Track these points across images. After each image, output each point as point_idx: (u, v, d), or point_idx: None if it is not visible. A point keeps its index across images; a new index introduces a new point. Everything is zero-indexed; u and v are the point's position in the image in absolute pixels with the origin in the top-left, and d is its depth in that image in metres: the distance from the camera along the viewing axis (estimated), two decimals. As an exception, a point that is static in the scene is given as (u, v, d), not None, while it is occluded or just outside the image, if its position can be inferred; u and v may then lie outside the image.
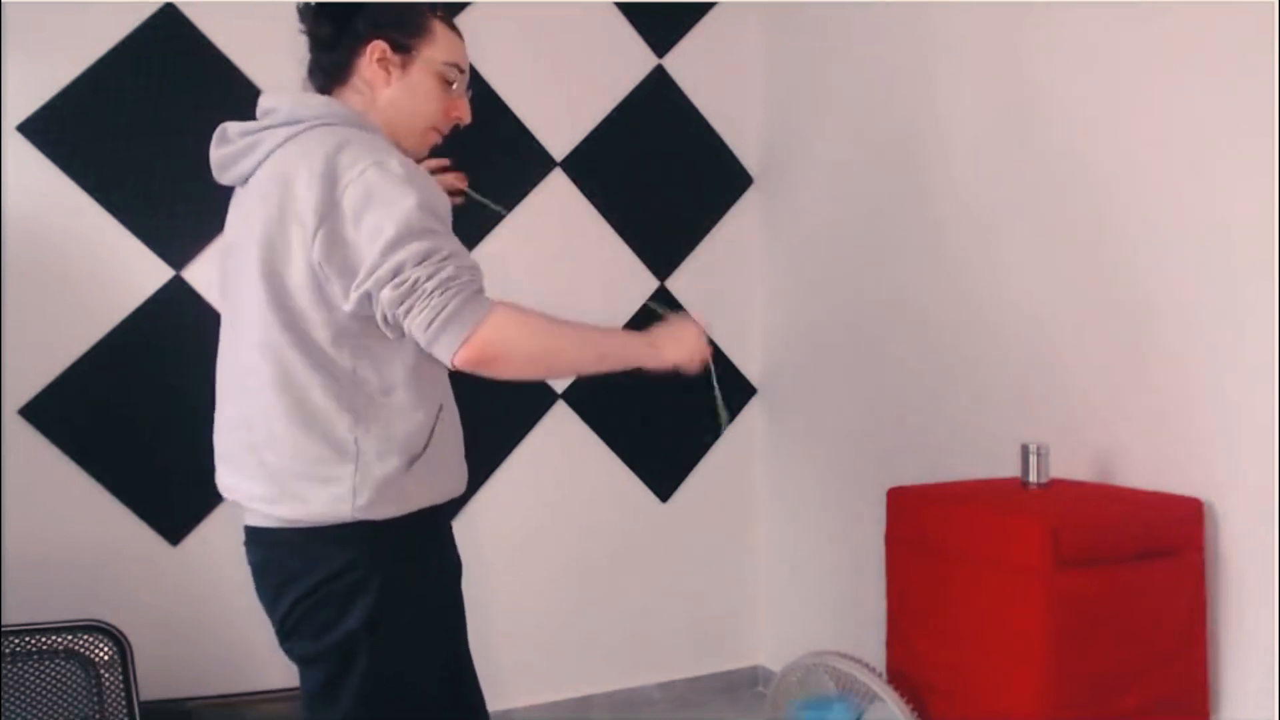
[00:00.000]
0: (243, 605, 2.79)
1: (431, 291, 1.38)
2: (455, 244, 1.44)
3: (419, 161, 1.63)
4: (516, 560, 3.12)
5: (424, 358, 1.51)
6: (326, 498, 1.46)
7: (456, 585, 1.65)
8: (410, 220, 1.39)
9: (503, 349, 1.41)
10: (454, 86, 1.63)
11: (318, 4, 1.62)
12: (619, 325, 1.68)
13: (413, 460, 1.50)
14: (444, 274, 1.39)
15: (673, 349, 1.61)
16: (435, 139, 1.66)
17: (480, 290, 1.43)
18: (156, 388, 2.70)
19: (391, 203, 1.40)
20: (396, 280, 1.38)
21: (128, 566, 2.68)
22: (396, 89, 1.60)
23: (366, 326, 1.46)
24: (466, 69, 1.66)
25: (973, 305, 2.69)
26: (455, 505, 1.66)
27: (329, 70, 1.62)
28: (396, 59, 1.59)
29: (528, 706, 3.12)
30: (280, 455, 1.47)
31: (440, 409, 1.56)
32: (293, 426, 1.46)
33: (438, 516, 1.60)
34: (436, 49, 1.60)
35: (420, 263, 1.38)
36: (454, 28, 1.66)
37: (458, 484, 1.63)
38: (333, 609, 1.49)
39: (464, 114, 1.66)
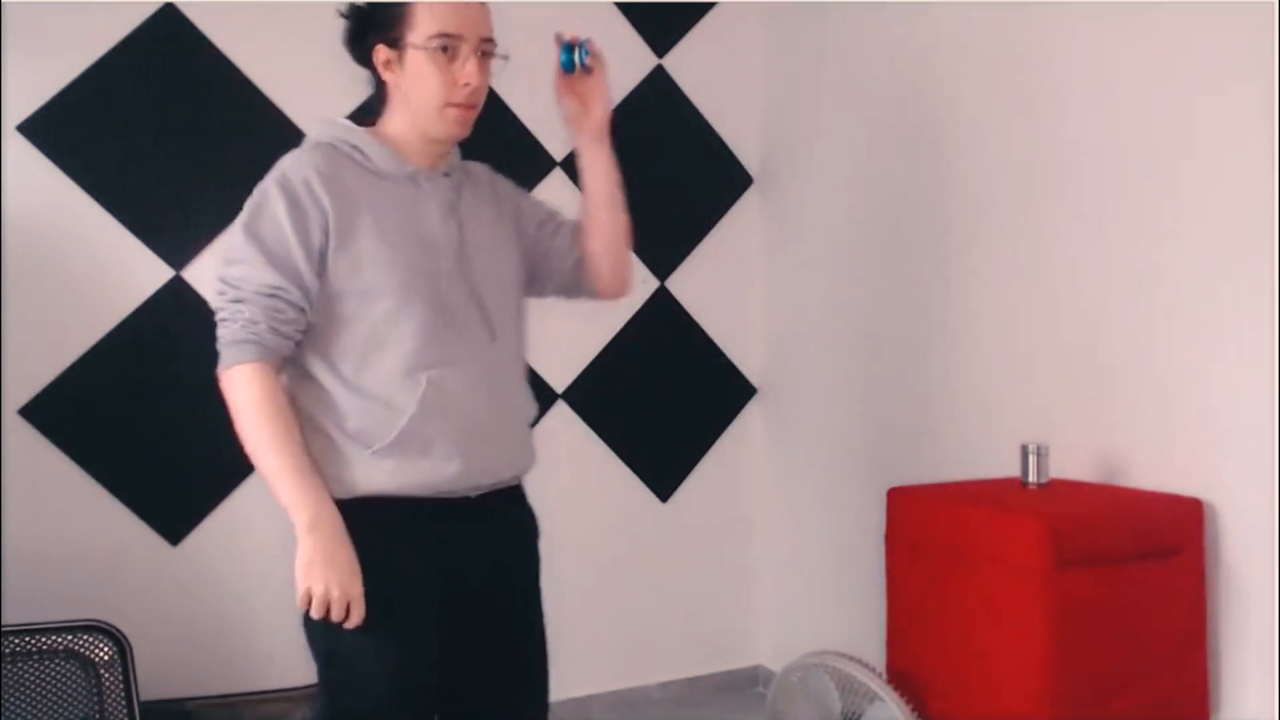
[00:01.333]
0: (243, 605, 2.81)
1: (222, 319, 1.56)
2: (258, 277, 1.53)
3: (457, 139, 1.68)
4: (516, 560, 3.11)
5: (360, 367, 1.58)
6: None
7: (432, 588, 1.61)
8: (232, 247, 1.57)
9: (228, 397, 1.55)
10: (448, 53, 1.59)
11: (343, 32, 1.66)
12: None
13: (366, 447, 1.57)
14: (224, 311, 1.55)
15: (306, 558, 1.51)
16: (458, 114, 1.62)
17: (244, 342, 1.52)
18: (156, 388, 2.69)
19: (240, 224, 1.56)
20: (216, 289, 1.58)
21: (128, 566, 2.68)
22: (403, 84, 1.62)
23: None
24: (468, 30, 1.60)
25: (973, 305, 2.69)
26: (472, 505, 1.66)
27: (375, 89, 1.68)
28: (395, 55, 1.61)
29: (528, 706, 3.12)
30: None
31: (416, 405, 1.57)
32: None
33: (414, 510, 1.59)
34: (420, 28, 1.58)
35: (219, 292, 1.56)
36: None
37: (428, 479, 1.59)
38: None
39: (470, 78, 1.60)
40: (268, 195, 1.55)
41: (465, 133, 1.66)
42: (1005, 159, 2.59)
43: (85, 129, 2.63)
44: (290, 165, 1.58)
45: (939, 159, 2.78)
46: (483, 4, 1.64)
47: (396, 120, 1.65)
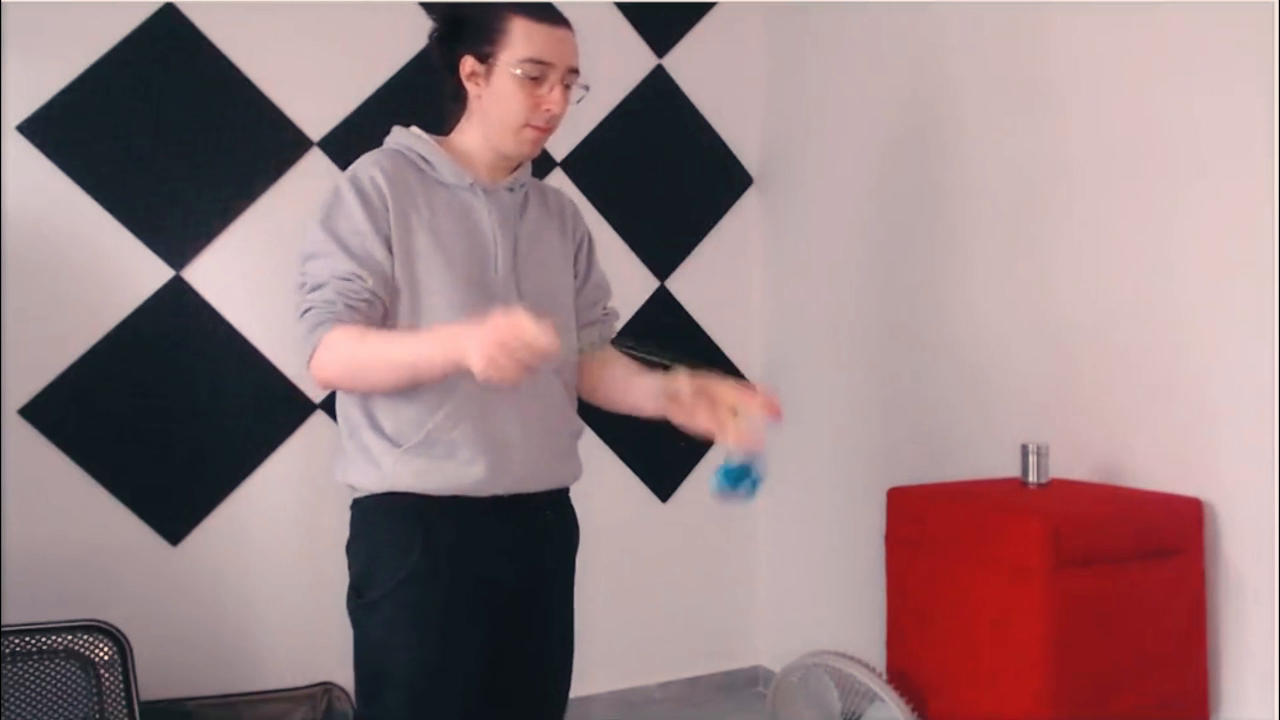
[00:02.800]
0: (243, 605, 2.81)
1: (300, 314, 1.57)
2: (335, 267, 1.55)
3: (524, 158, 1.70)
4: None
5: None
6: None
7: (463, 585, 1.63)
8: (309, 242, 1.59)
9: (322, 372, 1.55)
10: (536, 79, 1.61)
11: (431, 32, 1.67)
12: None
13: (399, 445, 1.60)
14: (305, 303, 1.57)
15: (467, 353, 1.37)
16: (533, 135, 1.65)
17: (324, 322, 1.53)
18: (156, 388, 2.70)
19: (316, 221, 1.59)
20: (296, 284, 1.61)
21: (128, 566, 2.68)
22: (485, 98, 1.64)
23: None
24: (558, 59, 1.62)
25: (973, 305, 2.69)
26: (505, 505, 1.65)
27: (455, 98, 1.69)
28: (482, 69, 1.63)
29: (528, 706, 3.12)
30: None
31: (442, 409, 1.59)
32: None
33: (445, 508, 1.61)
34: (513, 49, 1.60)
35: (299, 286, 1.59)
36: (544, 19, 1.62)
37: (452, 482, 1.61)
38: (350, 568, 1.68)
39: (553, 105, 1.63)
40: (340, 192, 1.60)
41: (536, 152, 1.71)
42: (1006, 159, 2.59)
43: (85, 129, 2.63)
44: (359, 165, 1.64)
45: (939, 159, 2.78)
46: (572, 35, 1.66)
47: (471, 131, 1.68)
